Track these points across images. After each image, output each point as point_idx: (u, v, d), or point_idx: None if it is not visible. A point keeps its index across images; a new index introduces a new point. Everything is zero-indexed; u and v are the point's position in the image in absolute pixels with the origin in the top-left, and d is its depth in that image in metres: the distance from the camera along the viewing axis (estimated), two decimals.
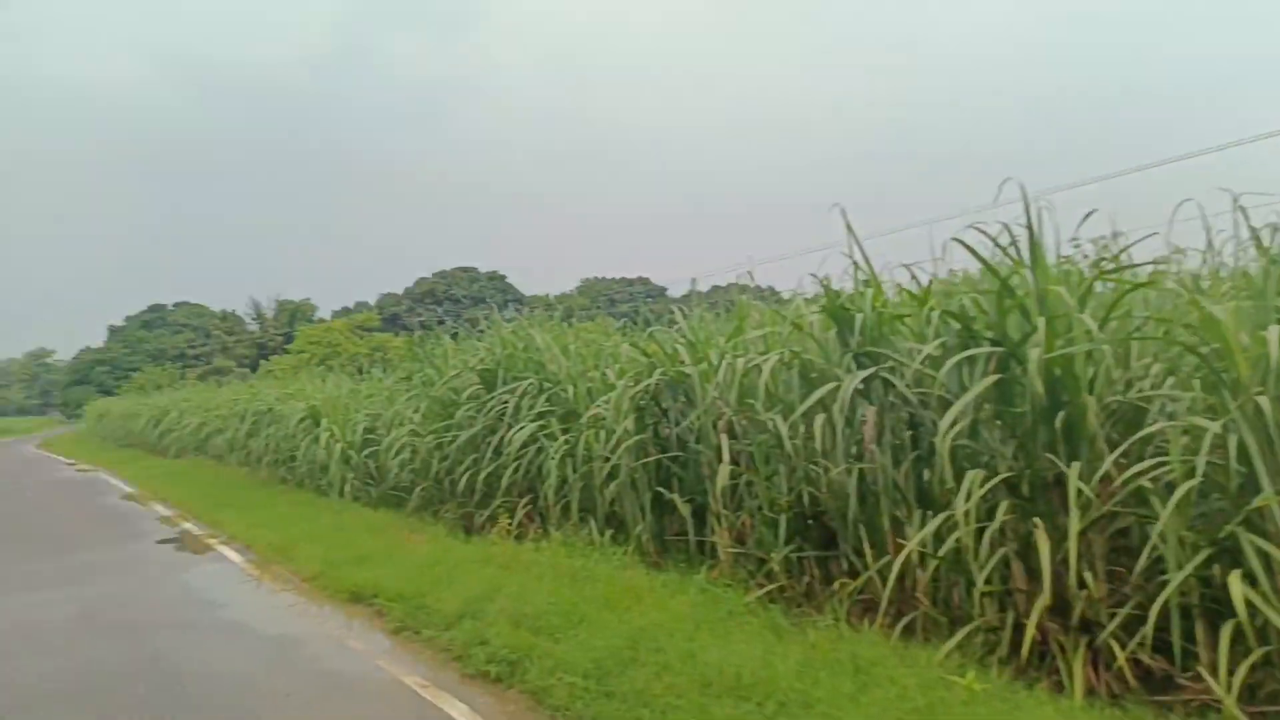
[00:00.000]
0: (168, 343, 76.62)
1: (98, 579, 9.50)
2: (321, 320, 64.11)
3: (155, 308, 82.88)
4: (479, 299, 76.63)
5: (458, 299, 74.50)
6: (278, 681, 5.68)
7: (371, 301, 79.24)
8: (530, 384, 10.06)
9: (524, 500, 9.76)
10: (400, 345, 36.79)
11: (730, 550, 6.98)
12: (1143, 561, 4.46)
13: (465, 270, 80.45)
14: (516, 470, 9.66)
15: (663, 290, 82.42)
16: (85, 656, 6.48)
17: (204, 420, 24.32)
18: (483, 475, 10.09)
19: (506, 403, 10.10)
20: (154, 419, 30.90)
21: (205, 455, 24.07)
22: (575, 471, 8.91)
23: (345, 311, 71.34)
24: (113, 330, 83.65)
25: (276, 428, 17.38)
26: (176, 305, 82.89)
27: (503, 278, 79.72)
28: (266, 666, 6.02)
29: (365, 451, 13.88)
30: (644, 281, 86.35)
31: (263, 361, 45.05)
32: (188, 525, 13.41)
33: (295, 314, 68.64)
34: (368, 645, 6.47)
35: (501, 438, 10.04)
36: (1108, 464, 4.60)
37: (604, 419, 8.55)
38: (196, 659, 6.26)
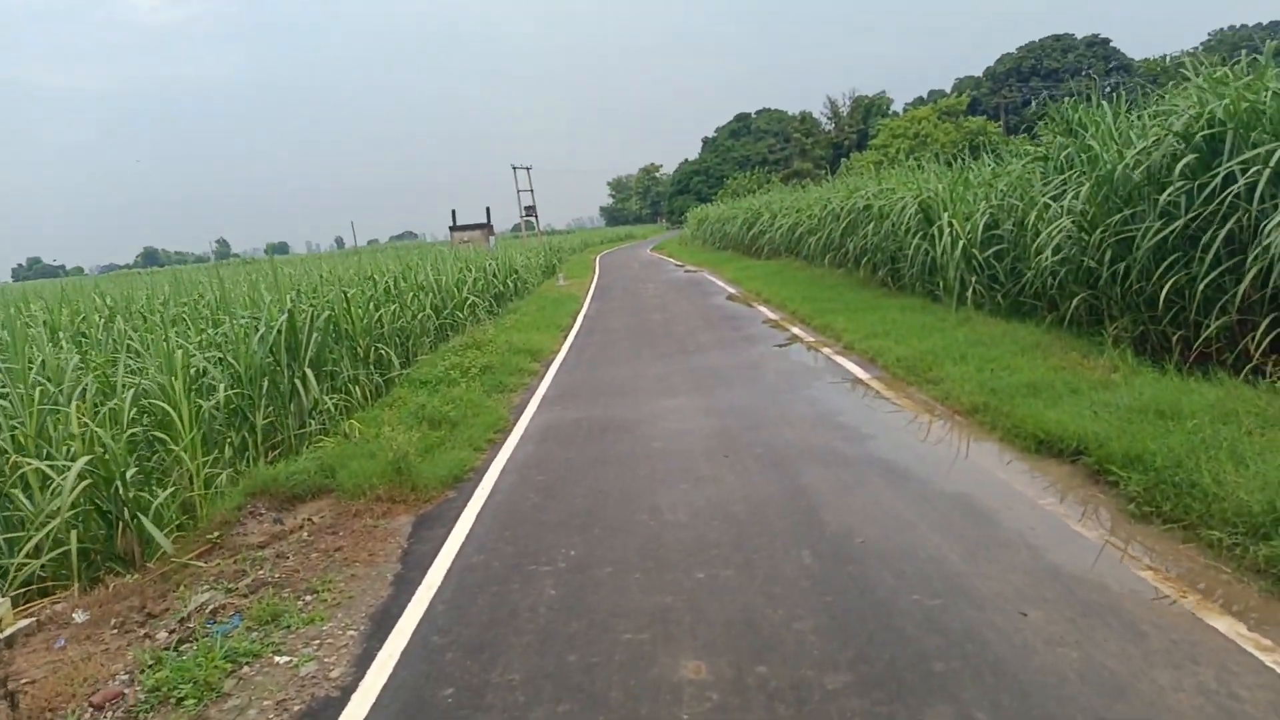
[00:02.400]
0: (751, 150, 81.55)
1: (725, 388, 9.03)
2: (895, 114, 61.17)
3: (740, 117, 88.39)
4: (1075, 70, 65.56)
5: (1048, 73, 64.51)
6: (991, 580, 3.90)
7: (946, 89, 73.20)
8: None
9: (1268, 319, 6.62)
10: (995, 131, 32.62)
11: None
12: None
13: (1058, 39, 68.67)
14: (1266, 277, 6.50)
15: None
16: (733, 493, 5.54)
17: (796, 221, 24.19)
18: (1201, 284, 7.05)
19: (1241, 179, 6.85)
20: (746, 222, 32.32)
21: (795, 257, 24.11)
22: None
23: (919, 102, 67.09)
24: (705, 142, 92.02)
25: (875, 225, 15.86)
26: (759, 113, 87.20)
27: (1105, 42, 66.40)
28: (962, 547, 4.31)
29: (990, 250, 11.54)
30: None
31: (843, 160, 44.44)
32: (796, 330, 12.78)
33: (870, 109, 66.52)
34: (1099, 533, 4.39)
35: (1236, 229, 6.89)
36: None
37: None
38: (863, 519, 4.84)
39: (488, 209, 45.64)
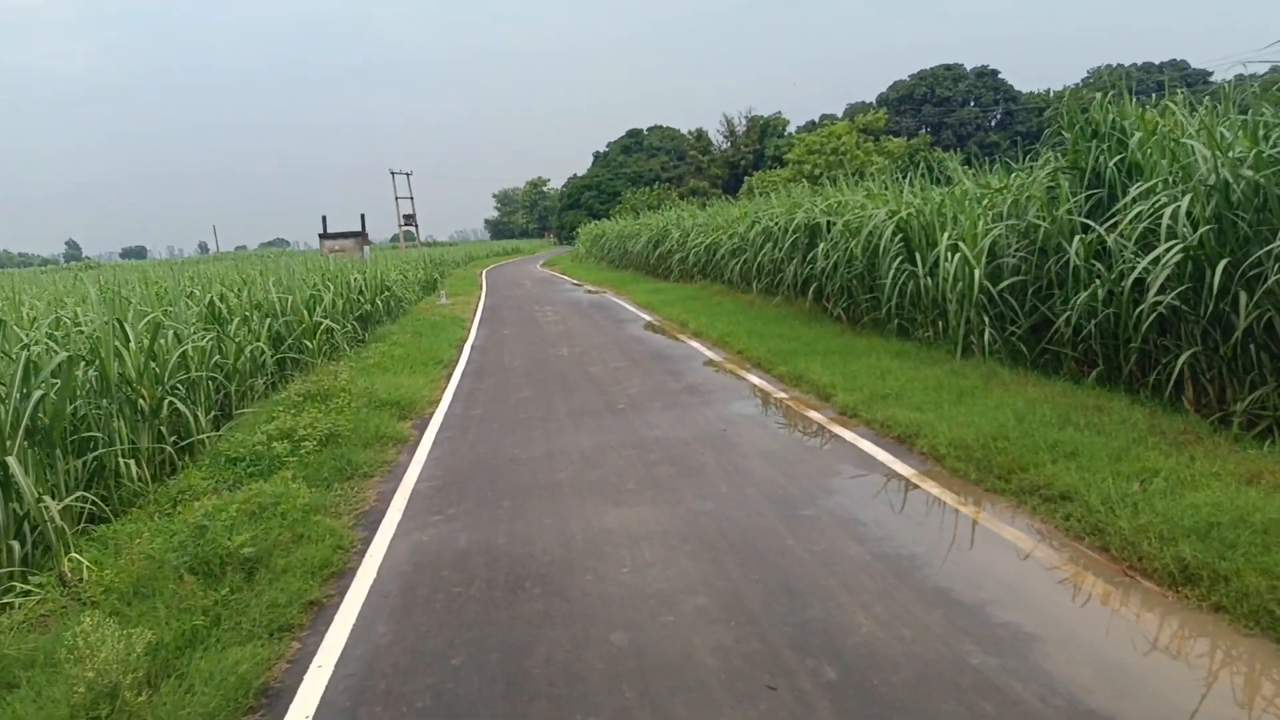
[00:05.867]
0: (644, 166, 79.11)
1: (697, 486, 5.90)
2: (790, 135, 60.01)
3: (633, 132, 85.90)
4: (965, 100, 66.39)
5: (940, 101, 64.91)
6: None
7: (839, 114, 72.99)
8: None
9: None
10: (911, 146, 31.02)
11: None
12: None
13: (949, 69, 69.39)
14: None
15: (1204, 76, 64.73)
16: None
17: (714, 241, 21.46)
18: None
19: None
20: (652, 240, 29.54)
21: (711, 280, 21.43)
22: None
23: (811, 126, 66.45)
24: (596, 156, 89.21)
25: (830, 248, 13.18)
26: (651, 129, 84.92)
27: (994, 74, 67.55)
28: None
29: (1003, 283, 8.96)
30: (1177, 66, 68.32)
31: (745, 179, 42.26)
32: (755, 379, 9.85)
33: (766, 128, 65.22)
34: None
35: None
36: None
37: None
38: None
39: (362, 216, 41.22)
